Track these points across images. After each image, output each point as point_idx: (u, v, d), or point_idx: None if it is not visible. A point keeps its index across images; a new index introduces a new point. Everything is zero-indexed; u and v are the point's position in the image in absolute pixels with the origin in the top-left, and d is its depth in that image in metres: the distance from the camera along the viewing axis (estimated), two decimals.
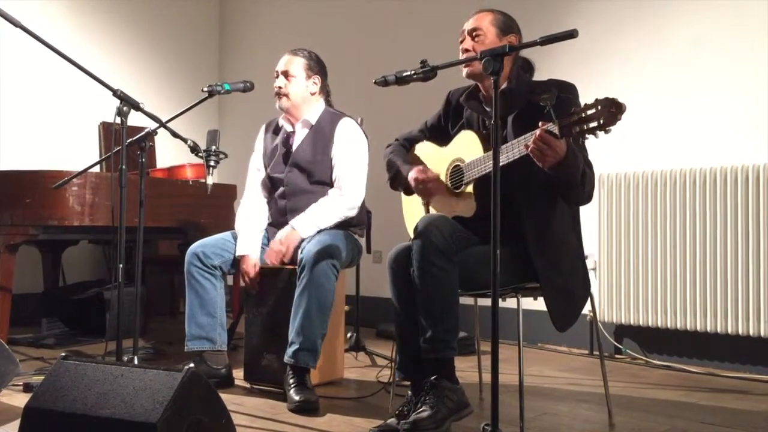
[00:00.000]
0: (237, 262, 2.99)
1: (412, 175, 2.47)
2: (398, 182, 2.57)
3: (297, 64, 3.06)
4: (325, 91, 3.14)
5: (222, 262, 2.98)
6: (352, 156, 3.01)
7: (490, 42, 2.33)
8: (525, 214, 2.27)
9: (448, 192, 2.45)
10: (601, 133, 1.88)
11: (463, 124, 2.51)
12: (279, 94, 3.06)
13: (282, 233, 2.91)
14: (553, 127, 1.96)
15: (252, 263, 2.93)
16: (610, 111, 1.85)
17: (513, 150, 2.13)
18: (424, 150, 2.62)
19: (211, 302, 2.93)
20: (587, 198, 2.24)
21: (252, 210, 3.11)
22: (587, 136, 1.92)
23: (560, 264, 2.29)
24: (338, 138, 3.03)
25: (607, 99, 1.87)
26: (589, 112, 1.89)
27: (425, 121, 2.68)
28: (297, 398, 2.60)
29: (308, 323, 2.70)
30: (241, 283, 3.04)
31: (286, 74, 3.05)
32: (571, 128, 1.93)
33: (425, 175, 2.45)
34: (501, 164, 1.98)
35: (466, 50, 2.36)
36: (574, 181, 2.12)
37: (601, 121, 1.86)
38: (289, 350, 2.72)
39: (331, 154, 3.02)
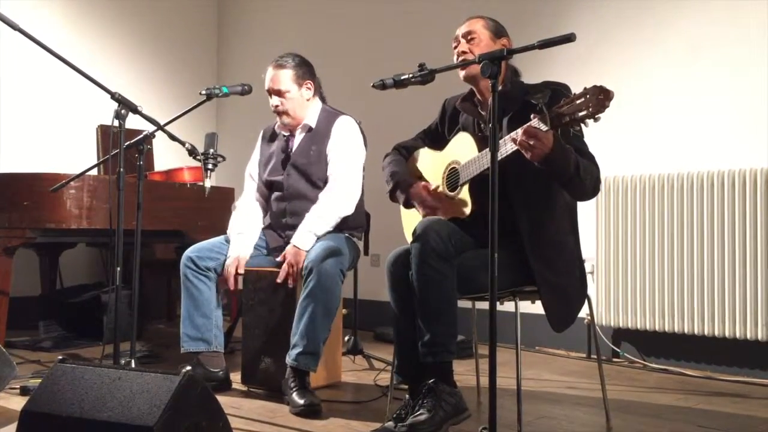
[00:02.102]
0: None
1: (414, 192, 2.47)
2: (396, 197, 2.57)
3: (286, 78, 3.00)
4: (318, 89, 3.10)
5: (217, 265, 2.97)
6: (346, 153, 2.99)
7: (486, 44, 2.37)
8: (520, 214, 2.28)
9: (445, 196, 2.46)
10: (592, 123, 1.89)
11: (459, 129, 2.52)
12: (278, 113, 3.03)
13: (288, 254, 2.85)
14: (544, 118, 1.97)
15: (236, 264, 2.91)
16: (599, 98, 1.86)
17: (505, 146, 2.14)
18: (422, 157, 2.63)
19: (205, 303, 2.93)
20: (592, 190, 2.23)
21: (245, 216, 3.10)
22: (578, 126, 1.92)
23: (556, 264, 2.29)
24: (334, 135, 3.01)
25: (595, 86, 1.88)
26: (578, 101, 1.90)
27: (423, 129, 2.70)
28: (301, 402, 2.59)
29: (313, 327, 2.70)
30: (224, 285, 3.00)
31: (279, 93, 3.00)
32: (561, 118, 1.94)
33: (428, 195, 2.45)
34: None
35: (463, 52, 2.39)
36: (567, 173, 2.12)
37: (590, 109, 1.87)
38: (292, 353, 2.71)
39: (327, 151, 3.01)
